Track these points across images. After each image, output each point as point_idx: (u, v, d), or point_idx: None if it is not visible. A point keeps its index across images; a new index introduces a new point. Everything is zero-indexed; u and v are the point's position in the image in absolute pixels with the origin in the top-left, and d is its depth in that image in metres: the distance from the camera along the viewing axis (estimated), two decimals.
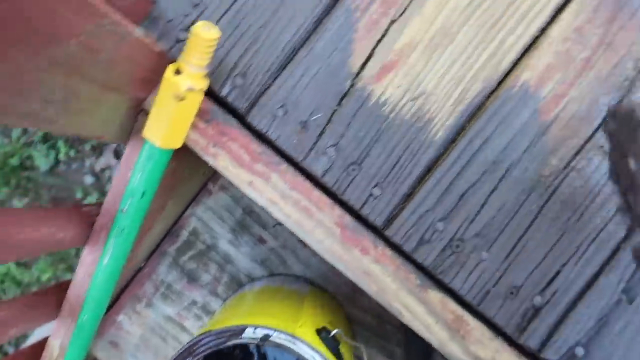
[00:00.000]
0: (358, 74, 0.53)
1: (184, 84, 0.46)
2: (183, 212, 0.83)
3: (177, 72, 0.47)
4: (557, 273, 0.52)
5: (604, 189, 0.51)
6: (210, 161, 0.55)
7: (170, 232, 0.83)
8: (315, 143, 0.53)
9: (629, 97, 0.51)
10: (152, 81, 0.52)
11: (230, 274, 0.83)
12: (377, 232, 0.54)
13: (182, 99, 0.47)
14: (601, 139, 0.51)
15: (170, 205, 0.75)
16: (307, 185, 0.53)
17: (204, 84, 0.48)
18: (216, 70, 0.54)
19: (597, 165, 0.51)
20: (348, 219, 0.53)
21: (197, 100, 0.49)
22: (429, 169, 0.53)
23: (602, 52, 0.51)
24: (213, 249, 0.83)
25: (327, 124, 0.53)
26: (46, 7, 0.32)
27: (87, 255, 0.67)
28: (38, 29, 0.33)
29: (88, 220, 0.66)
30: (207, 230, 0.83)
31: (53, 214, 0.63)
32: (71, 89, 0.41)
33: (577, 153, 0.52)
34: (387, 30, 0.53)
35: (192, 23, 0.54)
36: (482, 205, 0.52)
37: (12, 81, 0.35)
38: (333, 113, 0.53)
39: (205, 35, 0.45)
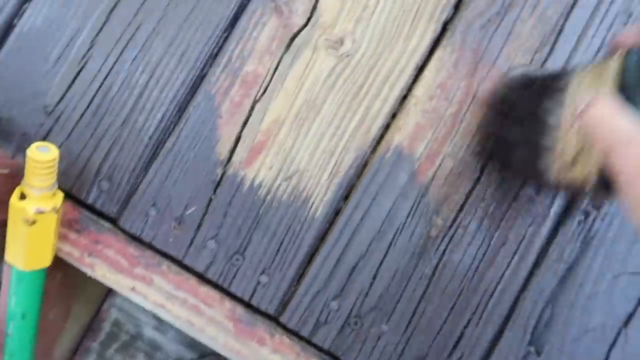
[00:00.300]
0: (228, 160, 0.51)
1: (30, 209, 0.44)
2: (100, 306, 0.79)
3: (22, 196, 0.44)
4: (460, 336, 0.50)
5: None
6: (88, 272, 0.51)
7: (91, 328, 0.79)
8: (193, 238, 0.51)
9: None
10: (6, 202, 0.49)
11: None
12: (273, 319, 0.51)
13: (33, 222, 0.44)
14: (481, 192, 0.50)
15: (80, 306, 0.72)
16: (192, 282, 0.51)
17: (54, 203, 0.45)
18: (80, 176, 0.51)
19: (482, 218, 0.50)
20: (240, 311, 0.51)
21: (51, 219, 0.46)
22: (314, 249, 0.51)
23: (468, 105, 0.51)
24: (139, 338, 0.79)
25: (203, 217, 0.51)
26: None
27: None
28: None
29: None
30: (130, 319, 0.79)
31: None
32: None
33: (460, 209, 0.50)
34: (251, 111, 0.51)
35: (49, 132, 0.51)
36: (374, 277, 0.50)
37: None
38: (208, 204, 0.51)
39: (40, 158, 0.42)
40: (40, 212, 0.44)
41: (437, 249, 0.50)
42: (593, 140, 0.35)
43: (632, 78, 0.35)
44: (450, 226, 0.50)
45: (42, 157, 0.43)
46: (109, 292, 0.79)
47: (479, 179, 0.51)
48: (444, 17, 0.51)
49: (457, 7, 0.52)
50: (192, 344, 0.79)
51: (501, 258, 0.50)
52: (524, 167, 0.44)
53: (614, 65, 0.36)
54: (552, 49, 0.51)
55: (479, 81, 0.51)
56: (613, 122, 0.33)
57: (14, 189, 0.48)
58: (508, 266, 0.50)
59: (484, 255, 0.50)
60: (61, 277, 0.60)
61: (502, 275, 0.50)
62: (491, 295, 0.50)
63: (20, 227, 0.45)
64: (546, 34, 0.51)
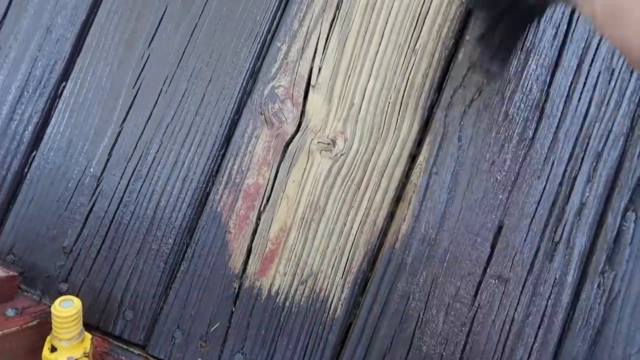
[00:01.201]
0: (243, 272, 0.52)
1: None
2: None
3: (53, 348, 0.46)
4: None
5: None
6: None
7: None
8: (221, 354, 0.52)
9: None
10: (40, 348, 0.51)
11: None
12: None
13: None
14: (497, 271, 0.50)
15: None
16: None
17: (84, 348, 0.47)
18: (105, 309, 0.53)
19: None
20: None
21: None
22: (339, 348, 0.51)
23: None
24: None
25: (227, 332, 0.52)
26: None
27: None
28: None
29: None
30: None
31: None
32: None
33: (477, 289, 0.50)
34: (257, 222, 0.53)
35: (69, 272, 0.53)
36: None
37: None
38: (230, 318, 0.52)
39: (65, 314, 0.44)
40: None
41: (461, 333, 0.50)
42: None
43: None
44: (471, 307, 0.50)
45: (67, 312, 0.44)
46: None
47: (489, 260, 0.51)
48: (428, 103, 0.53)
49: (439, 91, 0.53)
50: None
51: (527, 333, 0.49)
52: None
53: None
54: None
55: None
56: None
57: (44, 336, 0.50)
58: (535, 339, 0.50)
59: (509, 332, 0.50)
60: None
61: (531, 349, 0.50)
62: None
63: None
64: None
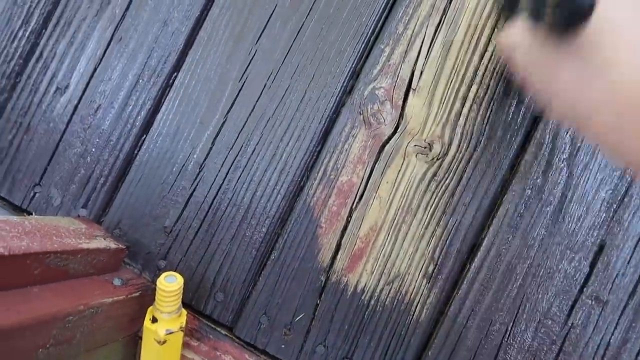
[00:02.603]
0: (330, 266, 0.54)
1: (162, 331, 0.48)
2: None
3: (154, 319, 0.49)
4: None
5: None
6: None
7: None
8: (303, 343, 0.53)
9: None
10: (140, 317, 0.54)
11: None
12: None
13: (164, 342, 0.49)
14: (597, 288, 0.48)
15: None
16: None
17: (181, 322, 0.50)
18: (198, 289, 0.56)
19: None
20: None
21: (178, 337, 0.50)
22: (421, 352, 0.51)
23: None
24: None
25: (311, 322, 0.53)
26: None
27: None
28: None
29: None
30: None
31: None
32: None
33: (571, 309, 0.49)
34: (349, 219, 0.54)
35: (168, 251, 0.57)
36: None
37: None
38: (315, 310, 0.53)
39: (169, 288, 0.47)
40: (170, 333, 0.49)
41: (551, 352, 0.49)
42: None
43: None
44: (564, 325, 0.49)
45: (170, 287, 0.48)
46: None
47: (587, 280, 0.49)
48: (530, 116, 0.52)
49: None
50: None
51: (624, 358, 0.47)
52: None
53: None
54: None
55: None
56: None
57: (144, 307, 0.53)
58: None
59: (603, 356, 0.48)
60: None
61: None
62: None
63: (152, 345, 0.50)
64: None
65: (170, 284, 0.48)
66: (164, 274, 0.49)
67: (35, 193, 0.61)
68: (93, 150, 0.60)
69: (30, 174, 0.61)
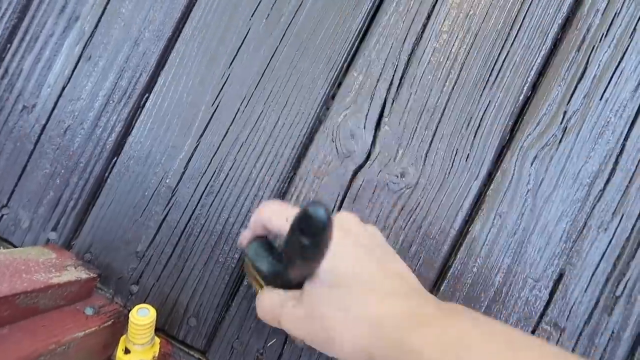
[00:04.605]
0: None
1: None
2: None
3: (127, 350, 0.50)
4: None
5: None
6: None
7: None
8: None
9: None
10: (112, 343, 0.55)
11: None
12: None
13: None
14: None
15: None
16: None
17: (154, 352, 0.50)
18: (171, 314, 0.56)
19: None
20: None
21: None
22: None
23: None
24: None
25: (283, 347, 0.55)
26: None
27: None
28: None
29: None
30: None
31: None
32: None
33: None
34: None
35: (140, 275, 0.57)
36: None
37: None
38: (287, 336, 0.54)
39: (141, 322, 0.47)
40: None
41: None
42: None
43: (258, 264, 0.44)
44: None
45: (143, 320, 0.48)
46: None
47: (547, 307, 0.51)
48: (497, 144, 0.53)
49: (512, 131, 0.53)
50: None
51: None
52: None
53: (247, 261, 0.46)
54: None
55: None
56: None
57: (116, 333, 0.54)
58: None
59: None
60: None
61: None
62: None
63: None
64: None
65: (142, 317, 0.48)
66: (136, 307, 0.49)
67: (2, 215, 0.60)
68: (62, 172, 0.59)
69: None
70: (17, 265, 0.45)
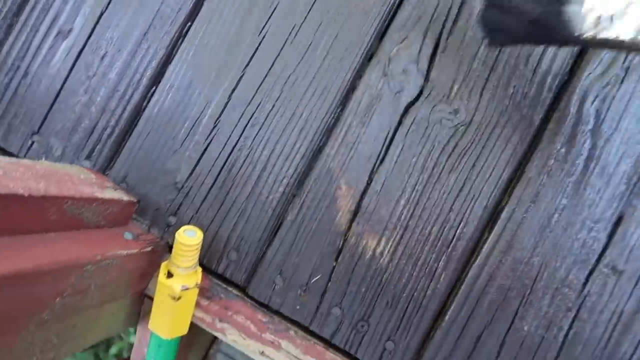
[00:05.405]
0: (349, 229, 0.53)
1: (177, 287, 0.47)
2: (207, 352, 0.82)
3: (169, 274, 0.47)
4: None
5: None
6: (219, 336, 0.54)
7: None
8: (319, 305, 0.53)
9: None
10: (149, 273, 0.52)
11: None
12: None
13: (179, 298, 0.47)
14: (612, 256, 0.49)
15: (192, 355, 0.75)
16: (319, 348, 0.52)
17: (197, 279, 0.48)
18: (211, 247, 0.54)
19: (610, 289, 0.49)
20: None
21: (193, 294, 0.49)
22: (439, 314, 0.51)
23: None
24: None
25: (327, 285, 0.53)
26: (20, 295, 0.33)
27: None
28: (18, 314, 0.34)
29: None
30: None
31: None
32: (67, 326, 0.42)
33: (588, 277, 0.49)
34: (369, 183, 0.53)
35: (179, 207, 0.55)
36: (501, 346, 0.50)
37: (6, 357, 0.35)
38: (332, 272, 0.53)
39: (188, 242, 0.45)
40: (186, 289, 0.47)
41: (566, 319, 0.50)
42: None
43: None
44: (580, 293, 0.49)
45: (190, 241, 0.46)
46: (214, 339, 0.82)
47: (605, 250, 0.50)
48: (557, 84, 0.51)
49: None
50: None
51: (636, 327, 0.48)
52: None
53: None
54: None
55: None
56: None
57: (153, 263, 0.51)
58: None
59: (616, 323, 0.49)
60: (184, 337, 0.63)
61: (638, 344, 0.48)
62: None
63: (166, 301, 0.48)
64: None
65: (190, 237, 0.46)
66: (183, 228, 0.47)
67: (33, 142, 0.57)
68: (98, 99, 0.57)
69: (28, 121, 0.58)
70: (61, 176, 0.43)
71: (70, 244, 0.39)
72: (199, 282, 0.48)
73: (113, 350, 1.61)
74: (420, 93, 0.53)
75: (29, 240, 0.36)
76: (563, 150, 0.51)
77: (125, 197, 0.50)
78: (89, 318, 0.46)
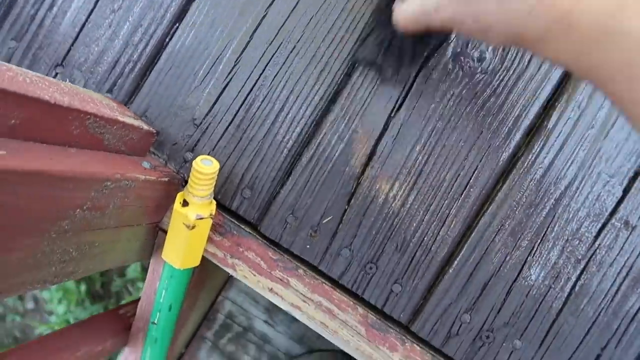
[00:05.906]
0: (362, 173, 0.53)
1: (192, 215, 0.48)
2: (217, 297, 0.84)
3: (185, 203, 0.48)
4: (598, 357, 0.49)
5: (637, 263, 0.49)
6: (230, 271, 0.55)
7: (207, 317, 0.85)
8: (329, 246, 0.53)
9: None
10: (164, 206, 0.54)
11: (269, 353, 0.83)
12: (404, 327, 0.53)
13: (193, 227, 0.49)
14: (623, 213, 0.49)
15: (203, 295, 0.77)
16: (327, 287, 0.53)
17: (211, 210, 0.49)
18: (225, 184, 0.55)
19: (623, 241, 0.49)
20: (372, 317, 0.53)
21: (207, 224, 0.50)
22: (446, 263, 0.52)
23: None
24: (250, 330, 0.84)
25: (338, 226, 0.53)
26: (43, 196, 0.34)
27: (129, 355, 0.69)
28: (41, 216, 0.35)
29: (125, 323, 0.68)
30: (242, 312, 0.84)
31: (89, 326, 0.65)
32: (85, 242, 0.43)
33: (599, 232, 0.49)
34: (386, 127, 0.53)
35: (196, 143, 0.55)
36: (508, 293, 0.50)
37: (26, 262, 0.37)
38: (343, 214, 0.53)
39: (204, 170, 0.46)
40: (200, 218, 0.48)
41: (574, 270, 0.50)
42: None
43: None
44: (590, 246, 0.49)
45: (207, 169, 0.47)
46: (224, 284, 0.84)
47: (619, 204, 0.49)
48: None
49: None
50: (301, 339, 0.82)
51: None
52: None
53: None
54: None
55: None
56: None
57: (169, 194, 0.52)
58: None
59: (625, 277, 0.49)
60: (197, 273, 0.64)
61: None
62: (632, 319, 0.49)
63: (181, 230, 0.49)
64: None
65: (206, 166, 0.47)
66: (200, 157, 0.48)
67: (56, 73, 0.58)
68: (122, 33, 0.57)
69: (52, 52, 0.58)
70: (84, 96, 0.43)
71: (90, 159, 0.40)
72: (213, 213, 0.49)
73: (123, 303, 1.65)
74: (445, 38, 0.52)
75: (52, 149, 0.37)
76: (585, 101, 0.50)
77: (145, 126, 0.51)
78: (107, 239, 0.47)
